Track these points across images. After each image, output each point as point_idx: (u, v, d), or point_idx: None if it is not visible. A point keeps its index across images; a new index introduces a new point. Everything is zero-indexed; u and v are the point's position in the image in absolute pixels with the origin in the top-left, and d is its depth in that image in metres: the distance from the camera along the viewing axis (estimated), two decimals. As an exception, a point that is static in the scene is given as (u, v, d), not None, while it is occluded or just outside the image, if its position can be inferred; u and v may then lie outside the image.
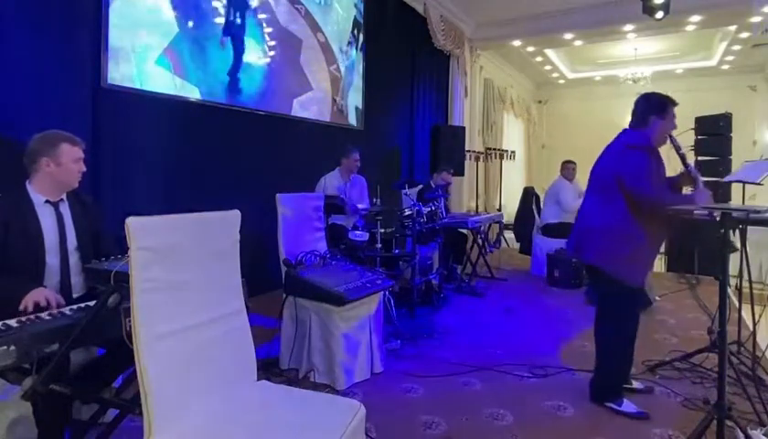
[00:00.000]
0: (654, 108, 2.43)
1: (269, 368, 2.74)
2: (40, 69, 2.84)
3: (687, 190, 2.50)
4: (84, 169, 2.02)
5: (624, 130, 2.54)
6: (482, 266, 5.52)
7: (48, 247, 1.91)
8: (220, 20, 3.98)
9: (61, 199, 2.00)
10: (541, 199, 6.04)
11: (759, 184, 3.20)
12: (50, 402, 1.59)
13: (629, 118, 2.55)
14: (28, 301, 1.68)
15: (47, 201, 1.95)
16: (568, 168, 5.51)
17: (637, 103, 2.50)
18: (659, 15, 5.32)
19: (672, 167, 2.54)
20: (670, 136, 2.46)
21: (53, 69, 2.89)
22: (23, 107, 2.75)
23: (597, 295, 2.60)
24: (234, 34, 4.10)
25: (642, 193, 2.29)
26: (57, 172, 1.93)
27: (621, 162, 2.35)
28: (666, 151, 2.42)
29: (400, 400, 2.52)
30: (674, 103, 2.45)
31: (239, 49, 4.14)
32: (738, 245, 2.57)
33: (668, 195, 2.34)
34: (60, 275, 1.94)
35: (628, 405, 2.38)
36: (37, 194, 1.94)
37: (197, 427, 1.38)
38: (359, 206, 4.18)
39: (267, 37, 4.42)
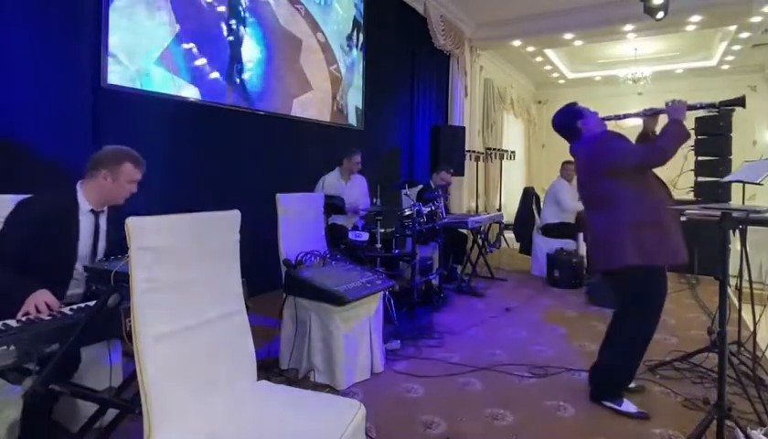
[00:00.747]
0: (572, 117, 2.55)
1: (269, 368, 2.74)
2: (40, 70, 2.84)
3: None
4: (135, 191, 2.03)
5: (572, 147, 2.61)
6: (482, 266, 5.52)
7: (80, 254, 1.93)
8: (220, 20, 3.98)
9: (102, 210, 2.02)
10: (541, 199, 6.04)
11: (759, 184, 3.19)
12: (45, 405, 1.59)
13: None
14: (29, 305, 1.66)
15: (91, 210, 1.97)
16: (567, 169, 5.50)
17: (560, 126, 2.62)
18: (660, 15, 5.32)
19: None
20: (605, 118, 2.55)
21: (53, 69, 2.89)
22: (23, 107, 2.75)
23: (620, 299, 2.55)
24: (234, 34, 4.10)
25: (640, 161, 2.32)
26: (111, 187, 1.95)
27: (600, 159, 2.39)
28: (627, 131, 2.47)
29: (400, 400, 2.52)
30: (576, 103, 2.60)
31: (238, 49, 4.15)
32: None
33: (656, 144, 2.35)
34: (86, 283, 1.93)
35: (628, 405, 2.38)
36: (85, 201, 1.96)
37: (197, 427, 1.38)
38: (360, 207, 4.19)
39: (267, 37, 4.42)
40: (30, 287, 1.72)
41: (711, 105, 2.38)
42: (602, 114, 2.58)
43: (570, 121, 2.56)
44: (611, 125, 2.61)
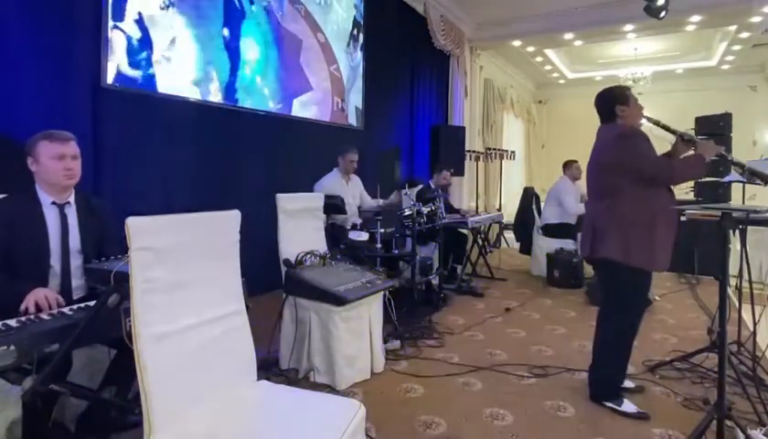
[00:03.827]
0: (616, 100, 2.49)
1: (269, 368, 2.74)
2: (40, 69, 2.84)
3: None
4: (70, 166, 1.93)
5: (600, 128, 2.57)
6: (482, 266, 5.52)
7: (52, 249, 1.91)
8: (220, 20, 3.98)
9: (68, 202, 1.99)
10: (541, 199, 6.03)
11: (759, 184, 3.20)
12: (45, 405, 1.59)
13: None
14: (29, 301, 1.67)
15: (53, 203, 1.95)
16: (572, 167, 5.47)
17: (598, 103, 2.56)
18: (662, 14, 5.31)
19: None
20: (646, 117, 2.51)
21: (53, 69, 2.90)
22: (23, 107, 2.75)
23: (603, 292, 2.59)
24: (234, 33, 4.10)
25: (648, 169, 2.31)
26: (39, 170, 1.91)
27: (617, 152, 2.37)
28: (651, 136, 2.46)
29: (400, 400, 2.52)
30: (629, 89, 2.55)
31: (238, 49, 4.15)
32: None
33: (672, 164, 2.36)
34: (61, 278, 1.93)
35: (628, 405, 2.38)
36: (44, 194, 1.94)
37: (197, 427, 1.38)
38: (366, 206, 4.19)
39: (267, 37, 4.42)
40: (27, 286, 1.72)
41: (740, 165, 2.36)
42: (646, 112, 2.53)
43: (610, 102, 2.50)
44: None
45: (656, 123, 2.49)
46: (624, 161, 2.34)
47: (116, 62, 3.23)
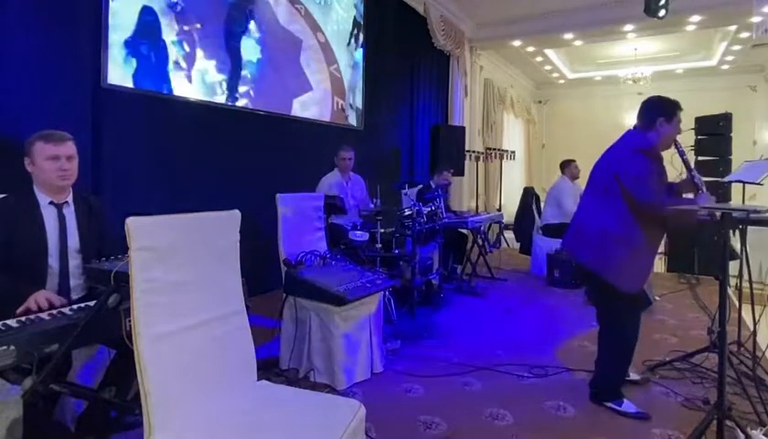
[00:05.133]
0: (662, 110, 2.40)
1: (269, 368, 2.74)
2: (40, 70, 2.84)
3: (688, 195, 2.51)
4: (65, 167, 1.92)
5: (629, 131, 2.52)
6: (482, 266, 5.52)
7: (50, 249, 1.91)
8: (220, 20, 3.98)
9: (66, 202, 1.99)
10: (541, 199, 6.03)
11: (759, 184, 3.20)
12: (45, 405, 1.59)
13: (629, 118, 2.57)
14: (31, 303, 1.67)
15: (50, 203, 1.95)
16: (575, 167, 5.46)
17: (645, 105, 2.48)
18: (662, 13, 5.30)
19: (673, 172, 2.54)
20: (675, 142, 2.44)
21: (53, 69, 2.89)
22: (23, 107, 2.75)
23: (595, 297, 2.61)
24: (234, 34, 4.10)
25: (641, 198, 2.27)
26: (35, 171, 1.92)
27: (623, 164, 2.33)
28: (668, 155, 2.43)
29: (400, 400, 2.52)
30: (680, 109, 2.44)
31: (238, 49, 4.14)
32: (738, 252, 2.61)
33: (667, 200, 2.32)
34: (59, 278, 1.93)
35: (628, 405, 2.39)
36: (42, 194, 1.94)
37: (197, 427, 1.38)
38: (361, 207, 4.18)
39: (267, 37, 4.42)
40: (31, 288, 1.72)
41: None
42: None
43: (656, 111, 2.40)
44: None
45: (681, 154, 2.45)
46: (621, 176, 2.30)
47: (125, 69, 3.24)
